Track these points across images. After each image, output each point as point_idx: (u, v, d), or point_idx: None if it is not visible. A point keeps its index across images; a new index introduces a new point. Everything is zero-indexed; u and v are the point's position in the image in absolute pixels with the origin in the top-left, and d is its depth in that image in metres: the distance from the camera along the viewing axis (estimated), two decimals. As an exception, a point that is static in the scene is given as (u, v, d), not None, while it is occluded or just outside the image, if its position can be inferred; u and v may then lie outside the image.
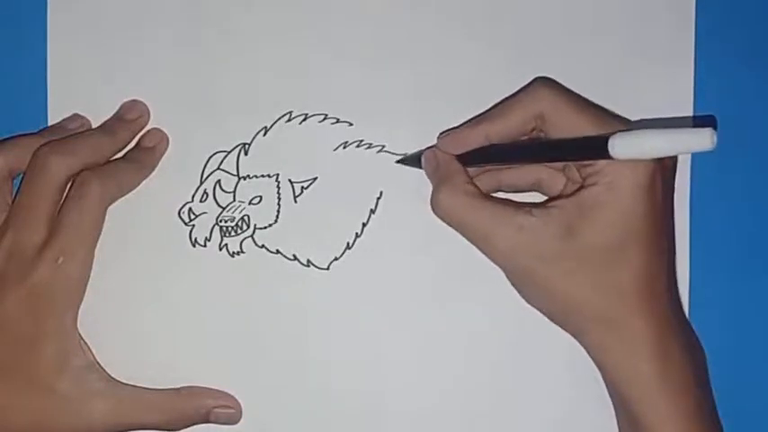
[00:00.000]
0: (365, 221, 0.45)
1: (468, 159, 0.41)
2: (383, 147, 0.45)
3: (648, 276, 0.38)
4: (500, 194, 0.43)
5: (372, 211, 0.45)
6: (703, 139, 0.33)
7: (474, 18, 0.45)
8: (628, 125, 0.38)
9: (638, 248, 0.38)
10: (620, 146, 0.34)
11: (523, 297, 0.40)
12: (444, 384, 0.45)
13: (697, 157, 0.45)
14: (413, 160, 0.44)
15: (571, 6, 0.45)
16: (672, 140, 0.34)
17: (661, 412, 0.38)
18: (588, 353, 0.40)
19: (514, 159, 0.41)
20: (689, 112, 0.45)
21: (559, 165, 0.41)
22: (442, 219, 0.40)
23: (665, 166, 0.39)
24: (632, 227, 0.38)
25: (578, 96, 0.41)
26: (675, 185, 0.43)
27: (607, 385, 0.41)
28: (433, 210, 0.40)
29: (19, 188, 0.42)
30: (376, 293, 0.45)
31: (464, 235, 0.40)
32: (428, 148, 0.43)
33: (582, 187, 0.38)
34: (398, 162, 0.44)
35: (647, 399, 0.38)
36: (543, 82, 0.41)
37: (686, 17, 0.45)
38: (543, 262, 0.38)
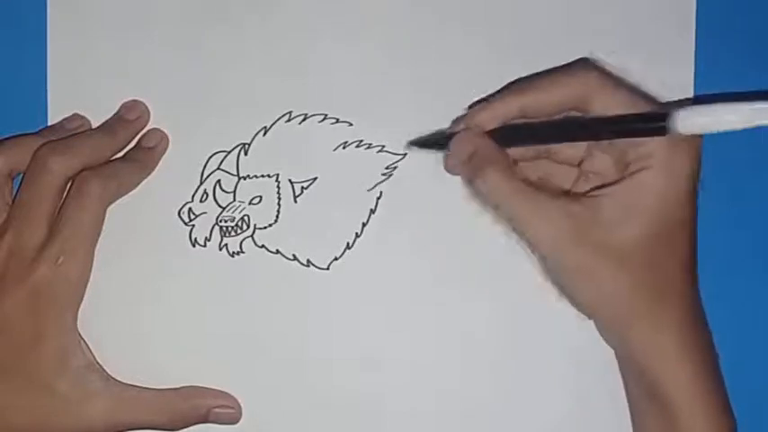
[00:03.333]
0: (365, 221, 0.45)
1: (497, 137, 0.39)
2: (383, 147, 0.45)
3: (689, 266, 0.38)
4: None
5: (372, 211, 0.45)
6: None
7: (474, 18, 0.45)
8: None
9: (685, 236, 0.37)
10: (685, 119, 0.33)
11: (561, 289, 0.39)
12: (444, 384, 0.45)
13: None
14: (429, 143, 0.42)
15: (571, 6, 0.45)
16: (744, 114, 0.32)
17: (696, 400, 0.38)
18: (615, 344, 0.39)
19: (551, 138, 0.38)
20: (689, 112, 0.45)
21: (571, 157, 0.40)
22: (485, 199, 0.38)
23: (699, 153, 0.37)
24: (683, 214, 0.37)
25: (622, 78, 0.39)
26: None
27: (633, 378, 0.40)
28: (477, 189, 0.38)
29: (19, 188, 0.42)
30: (376, 293, 0.45)
31: (503, 218, 0.38)
32: (440, 130, 0.42)
33: (631, 173, 0.37)
34: (411, 144, 0.43)
35: (682, 388, 0.38)
36: (588, 62, 0.39)
37: (686, 17, 0.45)
38: (586, 251, 0.37)
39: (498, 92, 0.41)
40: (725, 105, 0.32)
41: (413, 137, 0.44)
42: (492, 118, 0.39)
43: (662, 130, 0.33)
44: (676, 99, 0.40)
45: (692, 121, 0.33)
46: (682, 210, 0.37)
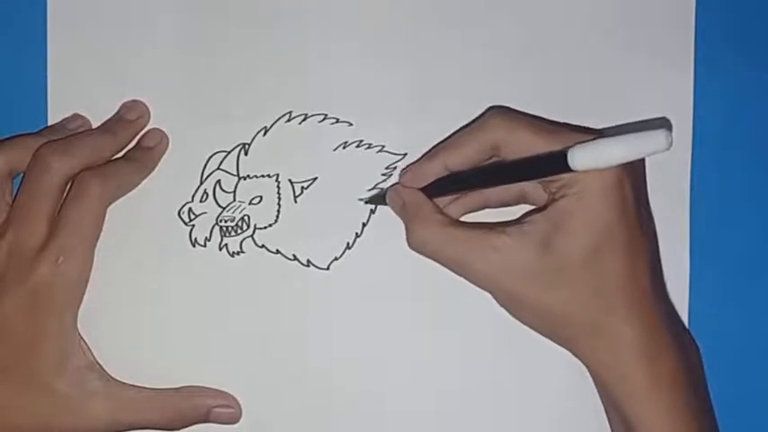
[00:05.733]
0: (365, 221, 0.45)
1: (433, 191, 0.42)
2: (383, 147, 0.45)
3: (629, 280, 0.38)
4: (488, 211, 0.43)
5: (372, 212, 0.45)
6: (659, 141, 0.33)
7: (474, 18, 0.45)
8: (587, 136, 0.38)
9: (615, 253, 0.38)
10: (580, 158, 0.35)
11: (513, 315, 0.40)
12: (444, 384, 0.45)
13: (697, 158, 0.45)
14: (379, 199, 0.44)
15: (571, 6, 0.45)
16: (628, 146, 0.34)
17: (653, 414, 0.38)
18: (580, 360, 0.40)
19: (478, 185, 0.41)
20: (689, 112, 0.45)
21: (515, 194, 0.42)
22: (420, 252, 0.41)
23: (634, 169, 0.39)
24: (605, 233, 0.38)
25: (532, 118, 0.41)
26: (676, 186, 0.43)
27: (599, 390, 0.41)
28: (410, 246, 0.41)
29: (19, 188, 0.42)
30: (376, 293, 0.45)
31: (443, 265, 0.40)
32: (390, 186, 0.43)
33: (553, 200, 0.39)
34: (366, 203, 0.45)
35: (638, 401, 0.38)
36: (496, 111, 0.41)
37: (686, 17, 0.45)
38: (523, 280, 0.39)
39: (424, 154, 0.43)
40: (612, 140, 0.34)
41: (413, 137, 0.44)
42: (422, 177, 0.42)
43: (566, 168, 0.35)
44: (584, 129, 0.42)
45: (583, 159, 0.35)
46: (603, 228, 0.38)
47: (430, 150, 0.43)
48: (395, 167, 0.45)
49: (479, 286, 0.40)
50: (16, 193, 0.42)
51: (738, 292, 0.45)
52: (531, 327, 0.40)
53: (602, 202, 0.38)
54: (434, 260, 0.40)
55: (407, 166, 0.43)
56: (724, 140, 0.45)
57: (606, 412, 0.41)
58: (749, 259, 0.45)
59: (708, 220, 0.45)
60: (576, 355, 0.40)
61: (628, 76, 0.44)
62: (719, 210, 0.45)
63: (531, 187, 0.42)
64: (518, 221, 0.39)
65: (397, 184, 0.43)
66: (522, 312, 0.40)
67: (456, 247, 0.40)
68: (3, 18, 0.46)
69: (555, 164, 0.36)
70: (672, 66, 0.45)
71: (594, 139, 0.36)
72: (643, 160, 0.40)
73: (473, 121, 0.43)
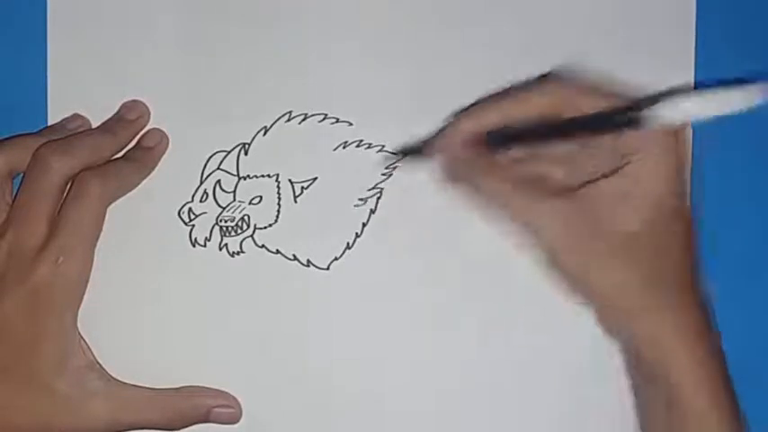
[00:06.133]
0: (365, 221, 0.45)
1: (483, 143, 0.40)
2: (383, 147, 0.45)
3: (684, 252, 0.38)
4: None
5: (372, 212, 0.45)
6: (751, 95, 0.32)
7: (474, 18, 0.45)
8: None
9: (682, 223, 0.38)
10: (667, 110, 0.34)
11: (567, 283, 0.39)
12: (444, 384, 0.45)
13: (697, 158, 0.45)
14: (413, 151, 0.43)
15: (571, 6, 0.45)
16: (720, 100, 0.33)
17: (698, 387, 0.38)
18: (614, 333, 0.40)
19: (537, 139, 0.39)
20: (689, 112, 0.45)
21: (564, 154, 0.40)
22: (488, 205, 0.39)
23: (686, 146, 0.39)
24: (676, 203, 0.38)
25: (593, 83, 0.40)
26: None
27: (634, 366, 0.40)
28: (473, 196, 0.39)
29: (19, 188, 0.42)
30: (376, 293, 0.45)
31: (507, 222, 0.39)
32: (423, 139, 0.42)
33: (622, 166, 0.38)
34: (395, 154, 0.43)
35: (685, 375, 0.38)
36: (556, 75, 0.40)
37: (686, 17, 0.45)
38: (597, 246, 0.38)
39: (475, 103, 0.42)
40: (701, 94, 0.33)
41: (413, 137, 0.44)
42: (474, 126, 0.40)
43: (638, 123, 0.35)
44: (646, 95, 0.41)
45: (668, 113, 0.34)
46: (674, 199, 0.38)
47: (479, 101, 0.42)
48: (395, 167, 0.45)
49: (538, 247, 0.39)
50: (16, 193, 0.42)
51: (739, 292, 0.45)
52: (583, 293, 0.39)
53: (672, 174, 0.37)
54: (495, 213, 0.39)
55: (462, 110, 0.41)
56: (724, 140, 0.45)
57: (638, 394, 0.41)
58: (749, 259, 0.45)
59: (708, 219, 0.45)
60: (621, 327, 0.39)
61: (628, 76, 0.44)
62: (719, 209, 0.45)
63: (589, 150, 0.40)
64: (586, 185, 0.38)
65: (444, 129, 0.41)
66: (581, 278, 0.39)
67: (523, 205, 0.38)
68: (3, 18, 0.46)
69: (630, 119, 0.35)
70: (672, 66, 0.45)
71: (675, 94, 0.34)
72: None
73: (530, 80, 0.42)
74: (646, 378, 0.40)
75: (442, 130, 0.42)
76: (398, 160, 0.44)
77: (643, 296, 0.38)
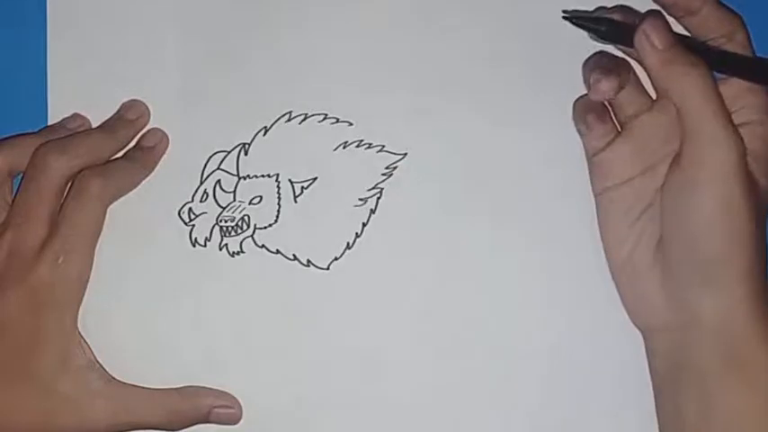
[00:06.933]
0: (365, 221, 0.45)
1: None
2: (383, 147, 0.45)
3: (760, 227, 0.39)
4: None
5: (372, 211, 0.45)
6: None
7: (474, 17, 0.45)
8: None
9: (753, 201, 0.38)
10: None
11: (692, 216, 0.38)
12: (445, 384, 0.45)
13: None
14: (588, 22, 0.41)
15: (571, 6, 0.45)
16: None
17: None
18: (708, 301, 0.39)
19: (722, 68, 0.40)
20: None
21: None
22: (679, 102, 0.38)
23: None
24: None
25: None
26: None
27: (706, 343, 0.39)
28: (667, 83, 0.39)
29: (19, 188, 0.42)
30: (376, 293, 0.45)
31: (680, 121, 0.39)
32: (610, 19, 0.41)
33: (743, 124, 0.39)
34: (565, 17, 0.41)
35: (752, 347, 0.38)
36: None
37: None
38: (749, 183, 0.38)
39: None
40: None
41: (413, 137, 0.44)
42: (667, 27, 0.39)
43: None
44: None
45: None
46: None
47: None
48: (395, 167, 0.45)
49: (696, 170, 0.38)
50: (16, 193, 0.42)
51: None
52: (708, 233, 0.38)
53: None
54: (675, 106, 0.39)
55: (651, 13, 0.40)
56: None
57: (674, 391, 0.40)
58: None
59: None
60: (717, 302, 0.39)
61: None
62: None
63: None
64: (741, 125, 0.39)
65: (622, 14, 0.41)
66: (722, 215, 0.38)
67: (713, 119, 0.38)
68: (3, 18, 0.46)
69: None
70: (672, 66, 0.44)
71: None
72: None
73: None
74: (721, 361, 0.39)
75: (629, 12, 0.41)
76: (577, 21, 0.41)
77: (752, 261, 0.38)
